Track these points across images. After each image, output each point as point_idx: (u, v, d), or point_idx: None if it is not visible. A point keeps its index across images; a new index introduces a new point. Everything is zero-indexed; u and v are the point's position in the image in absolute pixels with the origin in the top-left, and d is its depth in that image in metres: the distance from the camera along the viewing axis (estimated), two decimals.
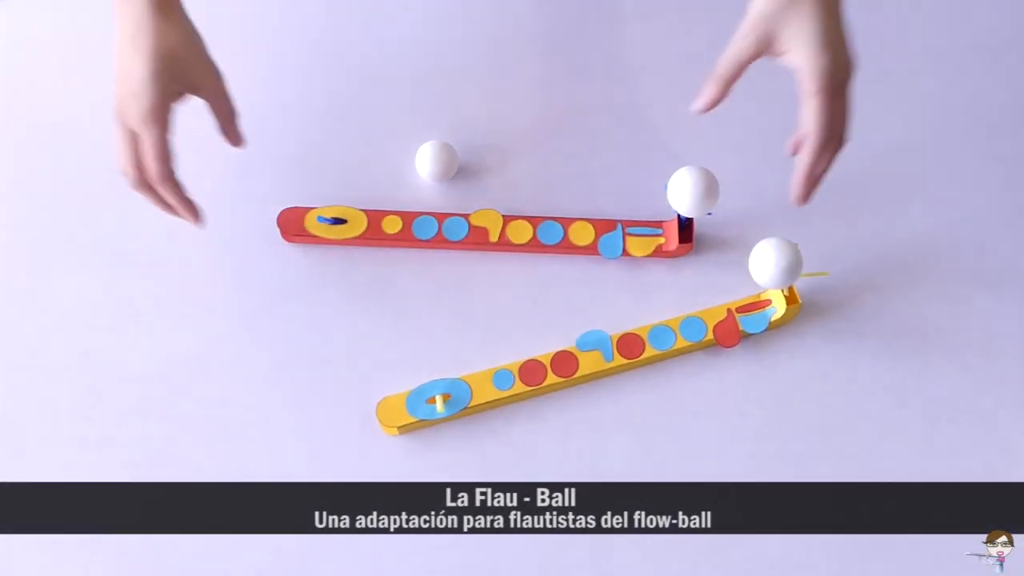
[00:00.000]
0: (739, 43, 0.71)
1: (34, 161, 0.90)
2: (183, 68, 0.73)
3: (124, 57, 0.72)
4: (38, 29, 0.96)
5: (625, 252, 0.85)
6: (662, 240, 0.85)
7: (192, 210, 0.77)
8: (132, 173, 0.74)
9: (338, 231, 0.85)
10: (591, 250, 0.85)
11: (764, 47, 0.70)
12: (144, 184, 0.74)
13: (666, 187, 0.79)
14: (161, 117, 0.72)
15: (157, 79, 0.72)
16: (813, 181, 0.72)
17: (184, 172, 0.80)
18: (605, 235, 0.85)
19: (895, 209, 0.88)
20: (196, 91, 0.76)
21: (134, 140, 0.73)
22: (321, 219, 0.85)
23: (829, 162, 0.72)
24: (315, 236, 0.85)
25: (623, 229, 0.85)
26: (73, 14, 0.97)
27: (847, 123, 0.71)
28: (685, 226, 0.83)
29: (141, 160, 0.73)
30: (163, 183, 0.74)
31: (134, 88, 0.72)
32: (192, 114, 0.76)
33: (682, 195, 0.77)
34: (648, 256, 0.85)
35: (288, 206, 0.86)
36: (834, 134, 0.70)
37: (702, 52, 0.93)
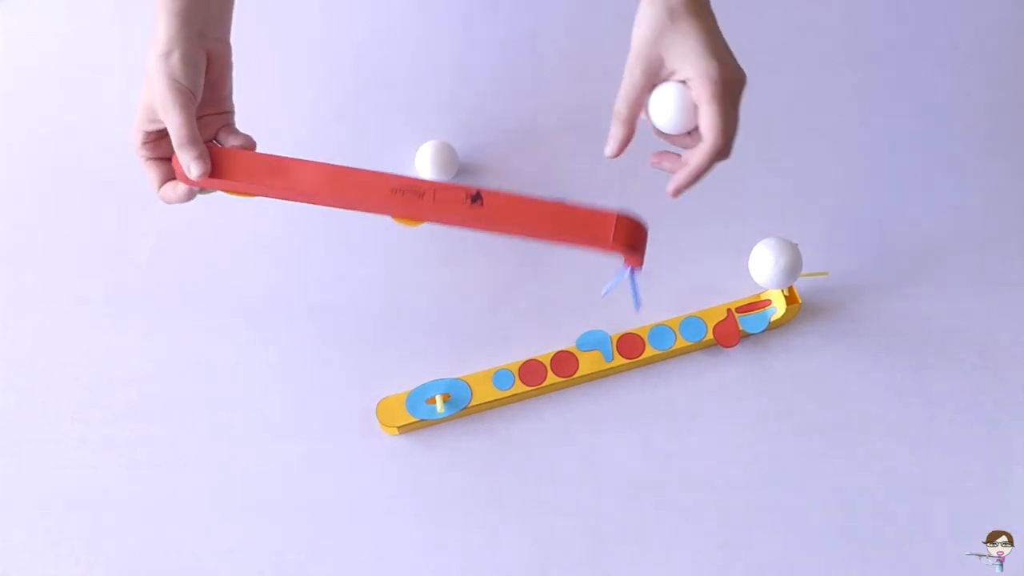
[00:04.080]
0: (629, 78, 0.68)
1: (34, 161, 0.90)
2: None
3: None
4: (38, 29, 0.96)
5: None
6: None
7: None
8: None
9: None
10: None
11: (655, 74, 0.68)
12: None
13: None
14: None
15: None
16: (693, 182, 0.69)
17: None
18: None
19: (895, 209, 0.88)
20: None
21: None
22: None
23: (711, 168, 0.69)
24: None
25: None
26: (73, 14, 0.97)
27: (735, 135, 0.68)
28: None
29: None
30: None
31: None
32: None
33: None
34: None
35: None
36: (727, 142, 0.67)
37: None
